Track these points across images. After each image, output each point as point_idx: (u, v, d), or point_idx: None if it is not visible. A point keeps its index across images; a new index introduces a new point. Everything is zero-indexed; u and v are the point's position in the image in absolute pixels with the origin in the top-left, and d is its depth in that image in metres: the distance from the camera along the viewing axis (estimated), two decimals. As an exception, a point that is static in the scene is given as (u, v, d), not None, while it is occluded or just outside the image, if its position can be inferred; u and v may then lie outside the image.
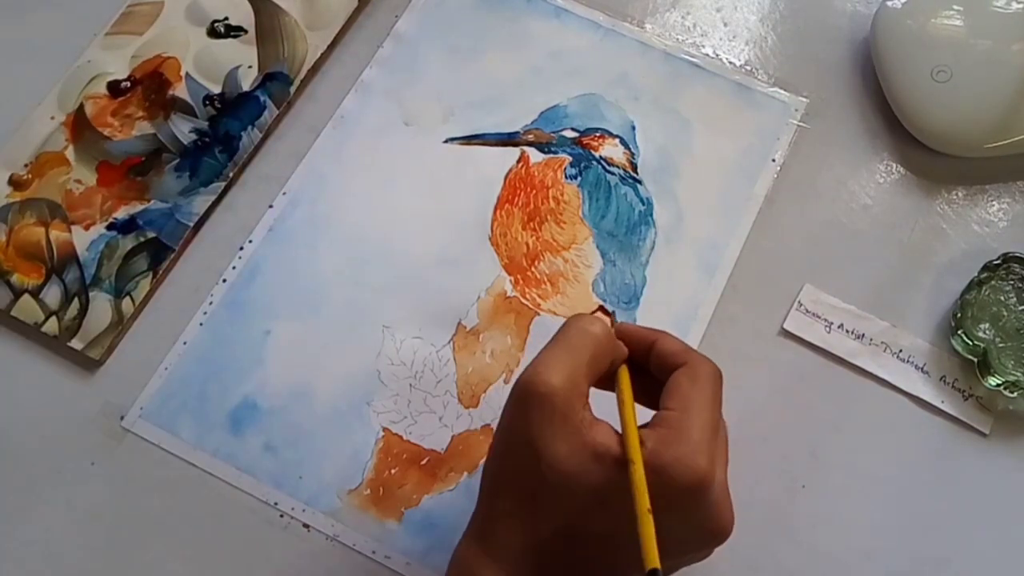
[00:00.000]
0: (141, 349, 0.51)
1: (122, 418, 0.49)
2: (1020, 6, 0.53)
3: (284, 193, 0.54)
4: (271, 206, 0.54)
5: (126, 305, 0.51)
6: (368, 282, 0.52)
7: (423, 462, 0.48)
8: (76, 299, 0.51)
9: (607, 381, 0.39)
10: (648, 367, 0.39)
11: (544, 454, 0.35)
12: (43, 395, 0.50)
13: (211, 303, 0.51)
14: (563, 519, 0.36)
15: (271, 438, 0.49)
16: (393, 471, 0.48)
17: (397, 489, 0.47)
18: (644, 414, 0.38)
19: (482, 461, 0.47)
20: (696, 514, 0.36)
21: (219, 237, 0.53)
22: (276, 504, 0.47)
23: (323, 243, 0.53)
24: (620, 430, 0.36)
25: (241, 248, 0.53)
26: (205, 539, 0.47)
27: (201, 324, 0.51)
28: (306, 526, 0.47)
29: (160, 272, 0.52)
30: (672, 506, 0.35)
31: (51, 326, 0.51)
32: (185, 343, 0.51)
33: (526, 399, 0.36)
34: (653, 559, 0.32)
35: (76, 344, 0.50)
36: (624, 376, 0.39)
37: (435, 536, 0.47)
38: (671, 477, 0.34)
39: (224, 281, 0.52)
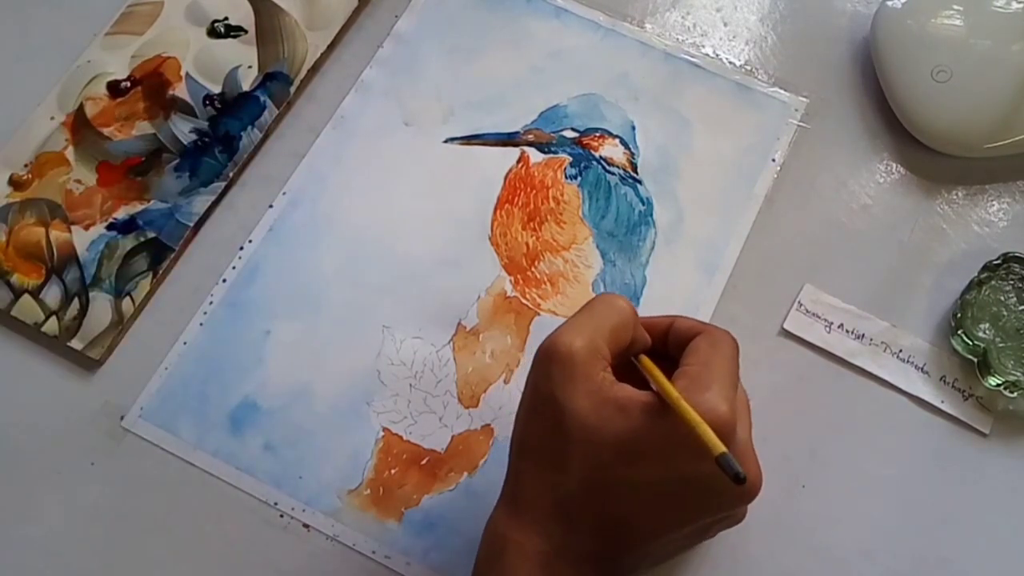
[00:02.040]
0: (141, 349, 0.51)
1: (122, 418, 0.49)
2: (1020, 6, 0.53)
3: (284, 193, 0.54)
4: (271, 206, 0.54)
5: (126, 305, 0.51)
6: (368, 282, 0.52)
7: (423, 462, 0.48)
8: (76, 299, 0.51)
9: (630, 367, 0.40)
10: (667, 353, 0.41)
11: (567, 409, 0.36)
12: (43, 395, 0.50)
13: (211, 303, 0.51)
14: (589, 472, 0.37)
15: (271, 438, 0.49)
16: (393, 471, 0.48)
17: (397, 489, 0.47)
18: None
19: (482, 461, 0.48)
20: None
21: (219, 237, 0.53)
22: (276, 504, 0.47)
23: (323, 243, 0.53)
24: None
25: (241, 248, 0.53)
26: (205, 539, 0.47)
27: (201, 324, 0.51)
28: (306, 526, 0.47)
29: (160, 272, 0.52)
30: (699, 455, 0.35)
31: (51, 326, 0.51)
32: (185, 343, 0.51)
33: (548, 359, 0.37)
34: (716, 446, 0.34)
35: (76, 344, 0.50)
36: (649, 363, 0.40)
37: (435, 536, 0.47)
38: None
39: (224, 281, 0.52)
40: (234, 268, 0.52)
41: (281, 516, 0.47)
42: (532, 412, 0.39)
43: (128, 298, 0.51)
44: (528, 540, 0.37)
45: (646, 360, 0.40)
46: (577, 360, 0.37)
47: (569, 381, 0.37)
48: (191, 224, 0.53)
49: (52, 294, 0.51)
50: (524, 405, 0.39)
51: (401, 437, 0.48)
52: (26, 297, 0.51)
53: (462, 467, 0.48)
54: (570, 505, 0.37)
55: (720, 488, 0.37)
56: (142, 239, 0.53)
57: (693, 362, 0.38)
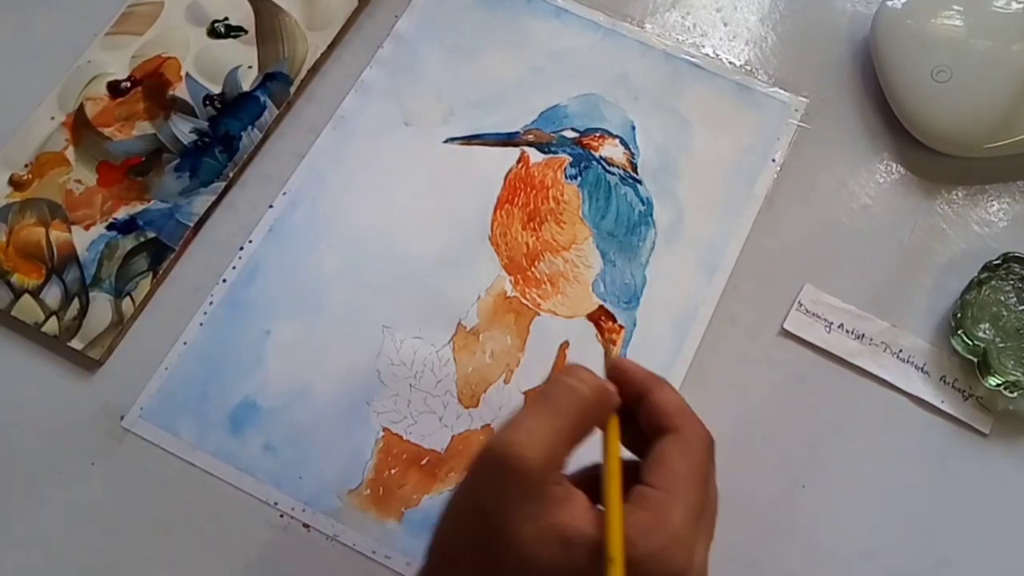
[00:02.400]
0: (141, 349, 0.51)
1: (122, 418, 0.49)
2: (1020, 6, 0.53)
3: (284, 193, 0.54)
4: (271, 206, 0.54)
5: (126, 305, 0.51)
6: (368, 282, 0.52)
7: (423, 462, 0.48)
8: (76, 299, 0.51)
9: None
10: (637, 414, 0.36)
11: (506, 534, 0.32)
12: (43, 395, 0.50)
13: (211, 303, 0.51)
14: None
15: (271, 438, 0.49)
16: (393, 471, 0.48)
17: (397, 489, 0.47)
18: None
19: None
20: None
21: (219, 237, 0.53)
22: (276, 504, 0.47)
23: (323, 243, 0.53)
24: (600, 498, 0.33)
25: (241, 248, 0.53)
26: (205, 539, 0.47)
27: (201, 324, 0.51)
28: (306, 526, 0.47)
29: (160, 272, 0.52)
30: None
31: (51, 326, 0.51)
32: (185, 343, 0.51)
33: (496, 468, 0.32)
34: None
35: (76, 344, 0.50)
36: (613, 434, 0.35)
37: (435, 536, 0.47)
38: (646, 572, 0.31)
39: (224, 281, 0.52)
40: (234, 268, 0.52)
41: (281, 516, 0.47)
42: (465, 519, 0.33)
43: (128, 298, 0.51)
44: None
45: (611, 444, 0.35)
46: (532, 477, 0.32)
47: (515, 499, 0.32)
48: (191, 224, 0.53)
49: (52, 294, 0.51)
50: (455, 509, 0.34)
51: (401, 437, 0.48)
52: (26, 297, 0.51)
53: (462, 467, 0.48)
54: None
55: None
56: (142, 239, 0.53)
57: (657, 484, 0.33)
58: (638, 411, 0.36)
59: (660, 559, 0.31)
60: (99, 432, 0.49)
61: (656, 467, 0.34)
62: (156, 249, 0.52)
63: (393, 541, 0.47)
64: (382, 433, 0.49)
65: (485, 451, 0.33)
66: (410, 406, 0.49)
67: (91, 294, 0.51)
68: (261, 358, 0.50)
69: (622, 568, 0.30)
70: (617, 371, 0.37)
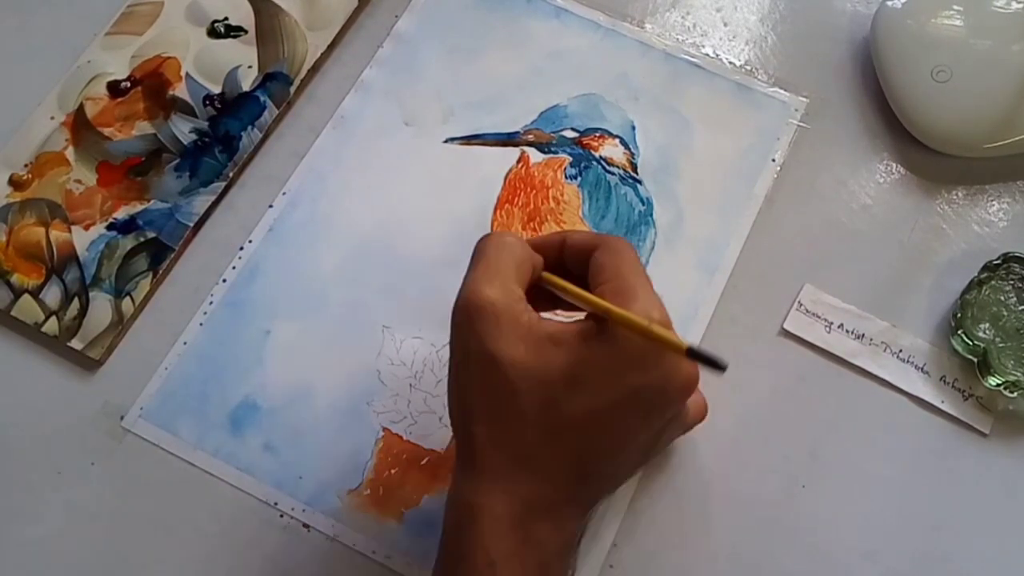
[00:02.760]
0: (141, 349, 0.51)
1: (122, 418, 0.49)
2: (1020, 6, 0.53)
3: (284, 193, 0.54)
4: (271, 206, 0.54)
5: (126, 305, 0.51)
6: (368, 282, 0.52)
7: (423, 462, 0.48)
8: (76, 299, 0.51)
9: (538, 300, 0.39)
10: (565, 269, 0.41)
11: (505, 360, 0.36)
12: (43, 395, 0.50)
13: (211, 303, 0.51)
14: (543, 414, 0.36)
15: (271, 438, 0.49)
16: (393, 471, 0.48)
17: (397, 489, 0.47)
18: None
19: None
20: (661, 366, 0.37)
21: (219, 237, 0.53)
22: (276, 504, 0.47)
23: (323, 243, 0.53)
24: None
25: (241, 248, 0.53)
26: (205, 539, 0.47)
27: (201, 324, 0.51)
28: (306, 526, 0.47)
29: (160, 272, 0.52)
30: (640, 364, 0.36)
31: (51, 326, 0.51)
32: (185, 343, 0.51)
33: (470, 316, 0.37)
34: (679, 343, 0.34)
35: (76, 344, 0.50)
36: (550, 275, 0.40)
37: (435, 536, 0.46)
38: (629, 338, 0.36)
39: (224, 281, 0.52)
40: (234, 268, 0.52)
41: (281, 516, 0.47)
42: (468, 373, 0.38)
43: (128, 298, 0.51)
44: (496, 502, 0.37)
45: (558, 281, 0.40)
46: (500, 308, 0.36)
47: (498, 332, 0.36)
48: (191, 224, 0.53)
49: (52, 294, 0.51)
50: (457, 370, 0.39)
51: (401, 437, 0.48)
52: (26, 297, 0.51)
53: (462, 467, 0.48)
54: (530, 454, 0.37)
55: (664, 388, 0.38)
56: (142, 239, 0.53)
57: (606, 278, 0.38)
58: (565, 266, 0.41)
59: (643, 317, 0.36)
60: (99, 432, 0.49)
61: (598, 271, 0.39)
62: (156, 249, 0.52)
63: (393, 541, 0.47)
64: (382, 433, 0.49)
65: (455, 314, 0.38)
66: (410, 406, 0.49)
67: (91, 294, 0.51)
68: (261, 358, 0.50)
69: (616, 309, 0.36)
70: (534, 244, 0.41)
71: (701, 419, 0.45)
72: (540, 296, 0.40)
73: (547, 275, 0.40)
